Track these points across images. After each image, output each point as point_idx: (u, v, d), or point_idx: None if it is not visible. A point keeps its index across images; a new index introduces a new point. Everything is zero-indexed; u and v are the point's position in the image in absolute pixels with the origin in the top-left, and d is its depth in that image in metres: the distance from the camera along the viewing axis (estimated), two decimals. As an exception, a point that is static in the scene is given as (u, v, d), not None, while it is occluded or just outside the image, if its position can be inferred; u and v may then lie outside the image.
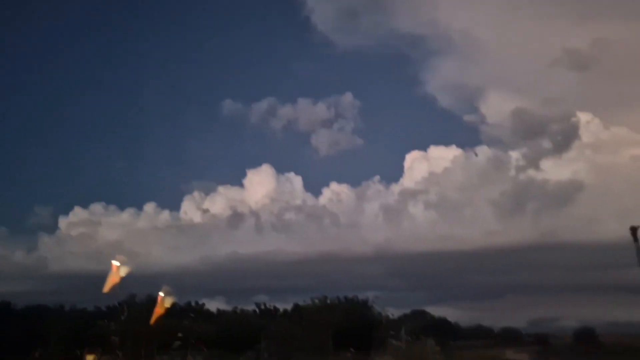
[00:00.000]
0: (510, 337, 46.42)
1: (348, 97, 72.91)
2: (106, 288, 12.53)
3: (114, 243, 52.92)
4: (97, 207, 60.71)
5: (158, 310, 16.76)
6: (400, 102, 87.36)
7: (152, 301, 20.74)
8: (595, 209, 58.46)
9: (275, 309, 38.20)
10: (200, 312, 36.45)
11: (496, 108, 70.35)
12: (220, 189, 66.29)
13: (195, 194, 65.13)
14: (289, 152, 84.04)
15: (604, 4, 70.88)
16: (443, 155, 63.36)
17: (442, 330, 36.44)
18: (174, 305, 20.53)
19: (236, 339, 27.45)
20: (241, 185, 67.88)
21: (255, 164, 73.55)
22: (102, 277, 13.30)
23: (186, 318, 28.27)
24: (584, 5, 74.46)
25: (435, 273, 59.88)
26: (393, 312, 31.50)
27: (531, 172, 64.13)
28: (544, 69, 77.40)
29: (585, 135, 63.32)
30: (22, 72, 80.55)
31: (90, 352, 20.60)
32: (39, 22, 77.23)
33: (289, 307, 36.50)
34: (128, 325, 22.80)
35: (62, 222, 59.94)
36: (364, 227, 63.49)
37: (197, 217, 63.06)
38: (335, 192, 65.16)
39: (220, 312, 38.19)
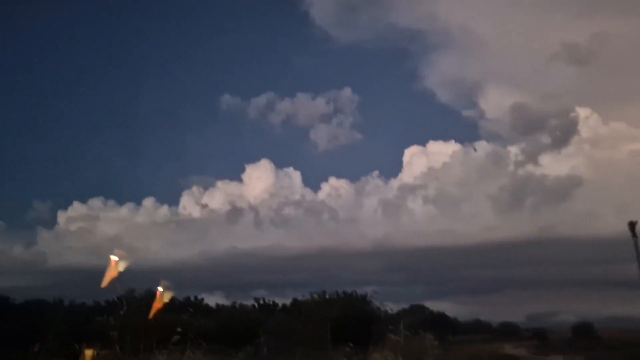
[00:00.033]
0: (508, 332, 46.60)
1: (347, 92, 72.99)
2: (104, 283, 12.54)
3: (113, 238, 53.08)
4: (95, 202, 60.87)
5: (157, 305, 16.78)
6: (399, 97, 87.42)
7: (151, 296, 20.75)
8: (594, 204, 58.65)
9: (274, 304, 38.27)
10: (200, 307, 36.52)
11: (495, 103, 70.47)
12: (219, 183, 66.54)
13: (194, 188, 65.34)
14: (287, 147, 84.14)
15: (603, -1, 70.74)
16: (442, 151, 63.51)
17: (441, 325, 36.53)
18: (173, 300, 20.55)
19: (235, 333, 27.49)
20: (240, 180, 68.02)
21: (254, 158, 73.88)
22: (101, 271, 13.31)
23: (185, 313, 28.28)
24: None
25: (434, 268, 60.12)
26: (392, 307, 31.54)
27: (530, 168, 64.29)
28: (542, 64, 77.36)
29: (584, 131, 63.44)
30: (20, 67, 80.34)
31: (88, 347, 20.58)
32: (36, 18, 76.92)
33: (287, 301, 36.61)
34: (127, 320, 22.82)
35: (61, 217, 60.08)
36: (363, 222, 63.69)
37: (196, 212, 63.24)
38: (334, 187, 65.34)
39: (219, 307, 38.30)
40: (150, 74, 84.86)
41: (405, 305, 40.35)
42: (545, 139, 68.20)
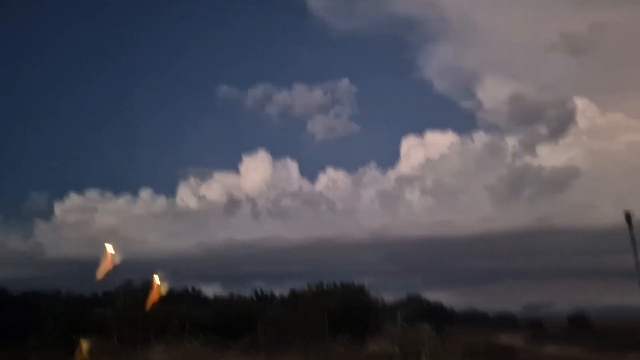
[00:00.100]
0: (505, 322, 46.80)
1: (344, 83, 72.60)
2: (100, 275, 12.51)
3: (110, 229, 52.94)
4: (92, 193, 60.62)
5: (154, 296, 16.82)
6: (397, 88, 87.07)
7: (149, 287, 20.77)
8: (591, 195, 58.76)
9: (272, 295, 38.35)
10: (197, 298, 36.58)
11: (493, 93, 70.22)
12: (216, 174, 66.22)
13: (191, 179, 65.08)
14: (285, 137, 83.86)
15: (602, -11, 70.34)
16: (439, 141, 63.39)
17: (438, 315, 36.69)
18: (170, 291, 20.58)
19: (233, 324, 27.53)
20: (237, 171, 67.83)
21: (251, 149, 73.30)
22: (99, 263, 13.28)
23: (183, 303, 28.33)
24: (583, -11, 73.85)
25: (432, 259, 60.27)
26: (389, 298, 31.70)
27: (527, 158, 64.31)
28: (541, 54, 77.11)
29: (581, 121, 63.41)
30: (15, 58, 79.62)
31: (85, 339, 20.60)
32: (32, 7, 76.06)
33: (285, 292, 36.63)
34: (124, 312, 22.86)
35: (58, 208, 59.87)
36: (360, 213, 63.72)
37: (193, 203, 63.12)
38: (332, 178, 65.22)
39: (216, 298, 38.32)
40: (147, 65, 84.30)
41: (402, 296, 40.53)
42: (543, 129, 68.23)
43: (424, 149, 64.12)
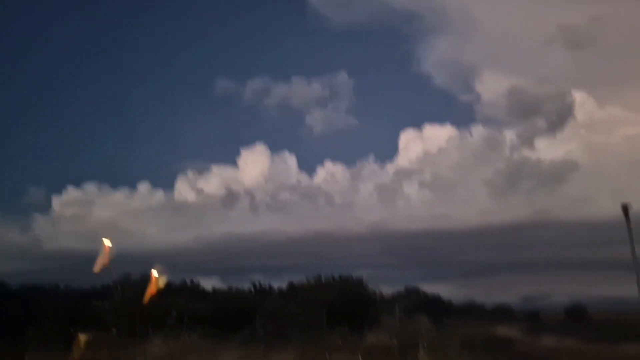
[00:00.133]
0: (502, 314, 47.04)
1: (343, 76, 72.26)
2: (96, 268, 12.50)
3: (108, 222, 52.89)
4: (90, 187, 60.47)
5: (152, 289, 16.81)
6: (395, 81, 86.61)
7: (147, 280, 20.75)
8: (588, 188, 58.80)
9: (270, 288, 38.43)
10: (196, 291, 36.63)
11: (491, 87, 69.92)
12: (214, 168, 66.05)
13: (189, 173, 64.90)
14: (283, 131, 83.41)
15: (601, -19, 69.94)
16: (438, 135, 63.27)
17: (435, 307, 36.85)
18: (168, 284, 20.56)
19: (231, 316, 27.62)
20: (235, 164, 67.59)
21: (249, 143, 73.04)
22: (97, 256, 13.28)
23: (181, 296, 28.36)
24: (582, -19, 73.46)
25: (429, 251, 60.38)
26: (387, 290, 31.82)
27: (525, 152, 64.26)
28: (539, 47, 76.82)
29: (579, 115, 63.26)
30: (12, 52, 79.01)
31: (83, 332, 20.62)
32: (29, 2, 75.39)
33: (283, 285, 36.74)
34: (123, 305, 22.88)
35: (56, 201, 59.74)
36: (359, 207, 63.65)
37: (191, 197, 62.97)
38: (330, 172, 65.10)
39: (215, 291, 38.38)
40: (144, 59, 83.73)
41: (400, 289, 40.68)
42: (541, 123, 68.04)
43: (422, 143, 64.07)
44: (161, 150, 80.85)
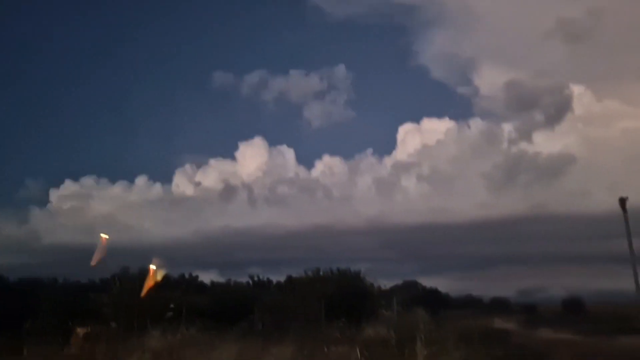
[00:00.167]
0: (499, 307, 47.35)
1: (341, 69, 72.21)
2: (94, 261, 12.52)
3: (106, 216, 52.94)
4: (88, 180, 60.46)
5: (150, 283, 16.83)
6: (394, 74, 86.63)
7: (145, 274, 20.75)
8: (586, 181, 59.10)
9: (269, 281, 38.57)
10: (194, 284, 36.70)
11: (489, 80, 70.15)
12: (212, 161, 66.19)
13: (187, 167, 64.97)
14: (281, 124, 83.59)
15: (601, -27, 69.80)
16: (436, 128, 63.40)
17: (433, 300, 37.06)
18: (166, 277, 20.57)
19: (229, 310, 27.69)
20: (233, 158, 67.67)
21: (247, 136, 73.38)
22: (95, 250, 13.29)
23: (179, 290, 28.39)
24: (581, -26, 73.35)
25: (427, 245, 60.72)
26: (385, 283, 31.85)
27: (523, 145, 64.43)
28: (537, 41, 76.62)
29: (577, 108, 63.49)
30: (12, 47, 78.59)
31: (81, 326, 20.64)
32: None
33: (282, 278, 36.86)
34: (121, 298, 22.90)
35: (54, 195, 59.73)
36: (357, 200, 63.94)
37: (189, 190, 63.07)
38: (328, 165, 65.22)
39: (213, 284, 38.50)
40: (142, 53, 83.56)
41: (398, 282, 40.93)
42: (539, 116, 68.43)
43: (420, 136, 64.36)
44: (159, 144, 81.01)
